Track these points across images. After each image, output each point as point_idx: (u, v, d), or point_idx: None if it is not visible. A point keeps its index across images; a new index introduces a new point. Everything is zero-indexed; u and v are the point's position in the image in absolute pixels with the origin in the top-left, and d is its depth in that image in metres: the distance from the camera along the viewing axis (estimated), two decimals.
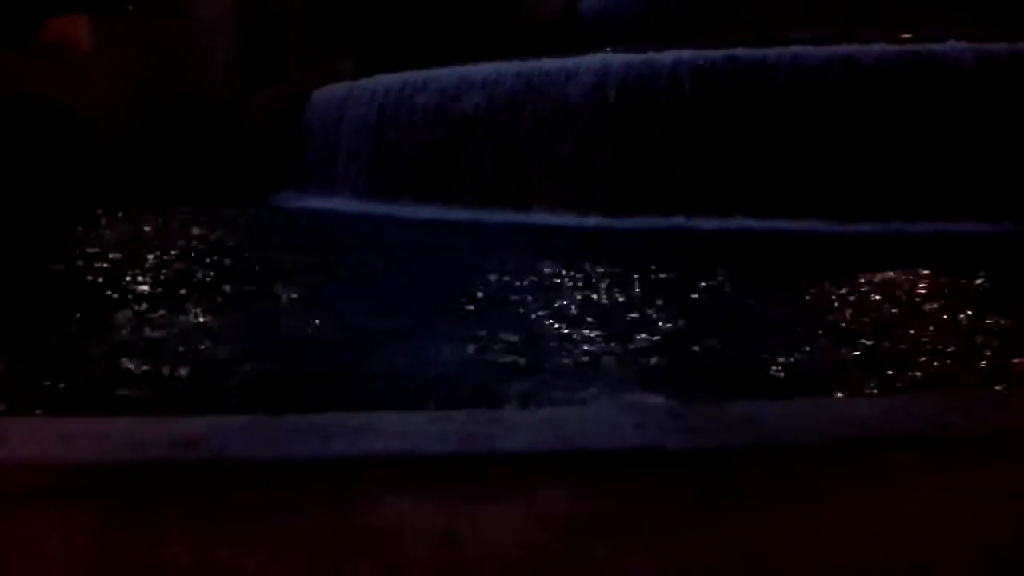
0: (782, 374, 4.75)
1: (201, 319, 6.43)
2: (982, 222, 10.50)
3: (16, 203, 14.79)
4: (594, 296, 7.02)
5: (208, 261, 9.70)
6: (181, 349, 5.47)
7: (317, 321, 6.37)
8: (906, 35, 12.68)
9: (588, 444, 1.71)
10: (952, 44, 11.63)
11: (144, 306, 6.93)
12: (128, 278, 8.31)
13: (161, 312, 6.68)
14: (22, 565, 1.62)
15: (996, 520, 1.73)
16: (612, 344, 5.38)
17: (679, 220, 11.66)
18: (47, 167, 16.74)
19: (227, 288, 7.85)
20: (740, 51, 12.18)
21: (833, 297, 6.98)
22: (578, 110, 12.78)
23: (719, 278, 7.84)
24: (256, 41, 19.73)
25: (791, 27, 14.25)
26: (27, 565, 1.63)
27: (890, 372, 4.72)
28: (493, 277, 7.99)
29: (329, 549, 1.65)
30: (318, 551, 1.64)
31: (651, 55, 12.68)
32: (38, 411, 3.98)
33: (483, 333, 5.64)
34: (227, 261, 9.75)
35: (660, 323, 6.02)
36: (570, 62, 13.20)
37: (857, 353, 5.21)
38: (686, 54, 12.39)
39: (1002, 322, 5.84)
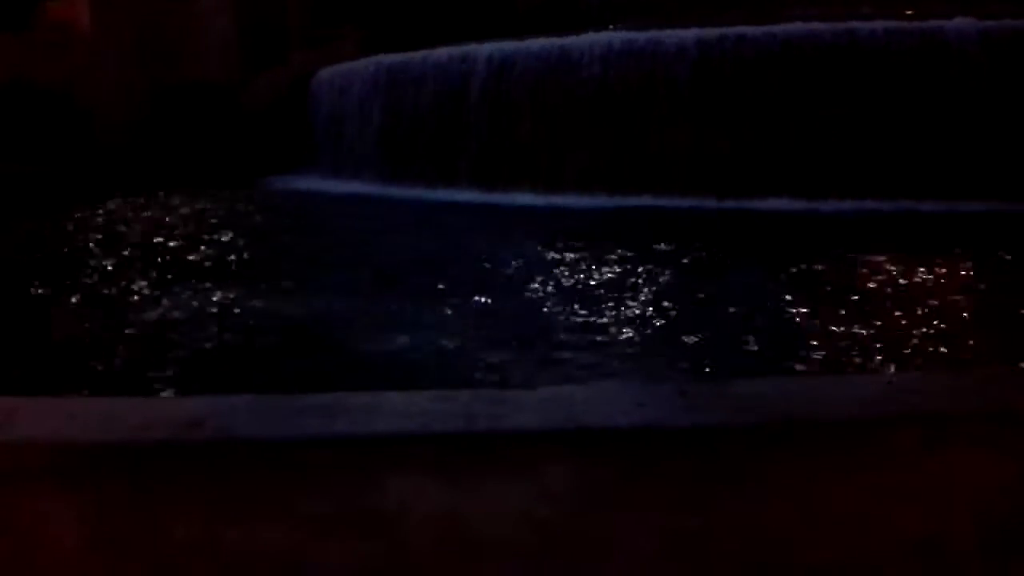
0: (786, 352, 4.75)
1: (204, 301, 6.43)
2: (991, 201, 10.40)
3: (15, 185, 14.77)
4: (599, 275, 7.01)
5: (207, 244, 9.69)
6: (187, 330, 5.48)
7: (321, 302, 6.37)
8: (909, 11, 12.57)
9: (592, 422, 1.71)
10: (960, 20, 11.51)
11: (145, 288, 6.94)
12: (127, 260, 8.31)
13: (165, 293, 6.68)
14: (29, 544, 1.64)
15: (1001, 498, 1.73)
16: (619, 322, 5.38)
17: (672, 202, 11.64)
18: (46, 149, 16.71)
19: (227, 270, 7.85)
20: (746, 28, 12.09)
21: (844, 276, 6.96)
22: (585, 89, 12.71)
23: (706, 255, 7.86)
24: (256, 23, 19.61)
25: (792, 3, 14.12)
26: (34, 544, 1.64)
27: (895, 350, 4.72)
28: (502, 258, 7.99)
29: (335, 527, 1.65)
30: (324, 529, 1.65)
31: (654, 33, 12.59)
32: (45, 391, 3.99)
33: (493, 311, 5.65)
34: (226, 244, 9.74)
35: (664, 303, 6.01)
36: (576, 40, 13.10)
37: (864, 332, 5.21)
38: (690, 32, 12.30)
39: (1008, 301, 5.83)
